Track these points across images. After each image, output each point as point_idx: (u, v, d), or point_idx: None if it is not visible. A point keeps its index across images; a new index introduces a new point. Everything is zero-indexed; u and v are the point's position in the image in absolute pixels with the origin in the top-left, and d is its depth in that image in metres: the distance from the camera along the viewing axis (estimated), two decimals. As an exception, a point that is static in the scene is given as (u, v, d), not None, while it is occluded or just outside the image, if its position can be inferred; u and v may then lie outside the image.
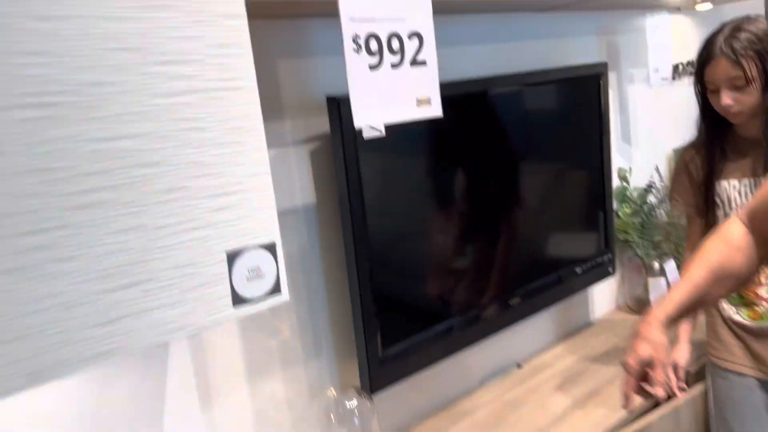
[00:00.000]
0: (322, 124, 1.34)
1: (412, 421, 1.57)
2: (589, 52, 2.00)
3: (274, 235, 0.85)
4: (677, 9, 2.32)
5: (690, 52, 2.42)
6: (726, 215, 1.50)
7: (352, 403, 1.24)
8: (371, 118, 1.01)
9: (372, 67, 1.02)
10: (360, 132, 1.06)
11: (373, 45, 1.01)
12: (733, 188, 1.49)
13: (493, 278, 1.57)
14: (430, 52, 1.08)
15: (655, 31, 1.96)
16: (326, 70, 1.35)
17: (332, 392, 1.26)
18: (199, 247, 0.78)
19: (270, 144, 1.27)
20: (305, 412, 1.36)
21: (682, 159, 1.61)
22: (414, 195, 1.38)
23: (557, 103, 1.71)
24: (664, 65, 1.99)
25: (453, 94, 1.42)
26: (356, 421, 1.23)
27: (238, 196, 0.81)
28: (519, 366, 1.81)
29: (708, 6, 2.26)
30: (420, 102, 1.07)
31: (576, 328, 2.03)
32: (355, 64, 0.99)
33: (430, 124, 1.37)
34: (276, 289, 0.85)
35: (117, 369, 1.06)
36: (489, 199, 1.55)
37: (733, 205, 1.50)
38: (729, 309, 1.53)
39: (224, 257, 0.80)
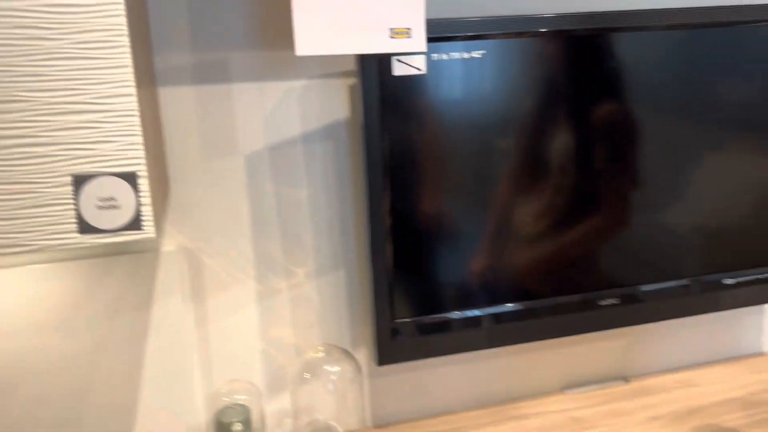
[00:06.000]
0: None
1: (421, 413, 1.37)
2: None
3: (137, 165, 0.77)
4: None
5: None
6: None
7: (334, 368, 1.13)
8: (320, 46, 0.84)
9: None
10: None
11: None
12: None
13: (580, 265, 1.26)
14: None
15: None
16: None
17: (319, 351, 1.16)
18: (38, 165, 0.74)
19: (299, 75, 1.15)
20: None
21: None
22: (482, 137, 1.15)
23: (727, 58, 1.24)
24: None
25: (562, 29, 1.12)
26: (331, 387, 1.12)
27: (90, 116, 0.74)
28: (626, 380, 1.46)
29: None
30: (395, 32, 0.85)
31: (732, 354, 1.55)
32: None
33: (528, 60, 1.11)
34: (135, 224, 0.78)
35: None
36: (600, 168, 1.22)
37: None
38: None
39: (69, 180, 0.75)
